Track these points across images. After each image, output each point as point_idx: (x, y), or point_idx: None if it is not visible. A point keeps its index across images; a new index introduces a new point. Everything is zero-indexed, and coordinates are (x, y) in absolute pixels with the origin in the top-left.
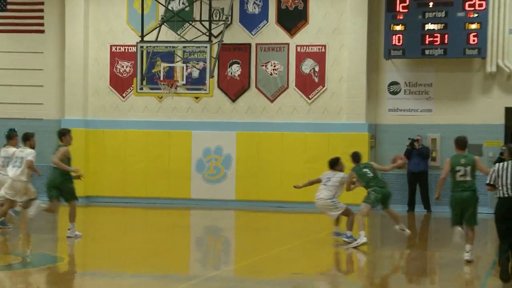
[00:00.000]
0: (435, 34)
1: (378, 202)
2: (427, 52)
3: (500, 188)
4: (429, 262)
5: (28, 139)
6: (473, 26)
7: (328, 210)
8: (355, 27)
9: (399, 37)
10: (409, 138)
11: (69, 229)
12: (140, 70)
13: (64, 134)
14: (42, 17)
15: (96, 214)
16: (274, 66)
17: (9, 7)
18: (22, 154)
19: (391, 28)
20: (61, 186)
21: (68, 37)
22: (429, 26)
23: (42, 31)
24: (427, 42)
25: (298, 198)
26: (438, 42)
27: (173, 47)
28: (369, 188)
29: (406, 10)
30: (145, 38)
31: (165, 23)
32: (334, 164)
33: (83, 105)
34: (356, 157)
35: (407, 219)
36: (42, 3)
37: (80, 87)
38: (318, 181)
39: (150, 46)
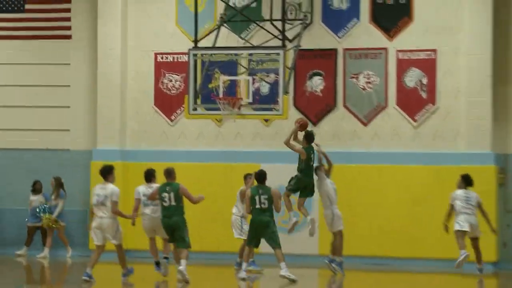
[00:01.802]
0: None
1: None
2: None
3: None
4: None
5: None
6: None
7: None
8: (476, 25)
9: None
10: None
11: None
12: (194, 85)
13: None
14: (68, 19)
15: (134, 273)
16: (368, 78)
17: (27, 6)
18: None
19: None
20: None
21: (101, 43)
22: None
23: (68, 37)
24: None
25: (405, 253)
26: None
27: (235, 54)
28: None
29: None
30: (200, 44)
31: (225, 24)
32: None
33: (120, 132)
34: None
35: None
36: (69, 1)
37: (116, 107)
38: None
39: (206, 54)
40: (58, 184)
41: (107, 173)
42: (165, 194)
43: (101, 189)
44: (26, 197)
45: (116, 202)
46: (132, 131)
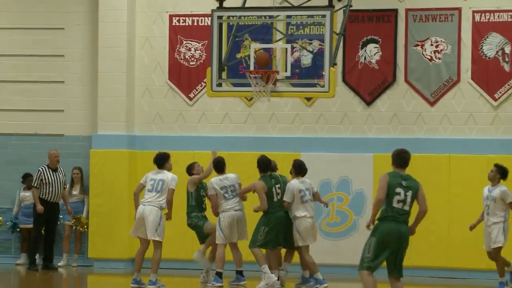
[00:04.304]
0: None
1: None
2: None
3: None
4: None
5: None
6: None
7: None
8: None
9: None
10: None
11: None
12: (218, 55)
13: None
14: None
15: None
16: (437, 46)
17: None
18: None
19: None
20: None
21: (103, 2)
22: None
23: None
24: None
25: (479, 265)
26: None
27: (270, 17)
28: None
29: None
30: (226, 3)
31: None
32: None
33: (127, 113)
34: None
35: None
36: None
37: (121, 83)
38: None
39: (233, 16)
40: (82, 176)
41: (164, 161)
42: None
43: (157, 174)
44: (9, 193)
45: (173, 190)
46: (141, 113)
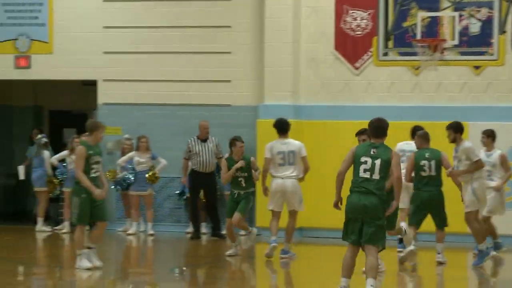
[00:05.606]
0: None
1: None
2: None
3: None
4: None
5: None
6: None
7: None
8: None
9: None
10: None
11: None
12: (384, 24)
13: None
14: None
15: (312, 258)
16: None
17: None
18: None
19: None
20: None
21: None
22: None
23: None
24: None
25: None
26: None
27: None
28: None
29: None
30: None
31: None
32: None
33: (293, 83)
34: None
35: None
36: None
37: (288, 53)
38: None
39: None
40: None
41: (289, 127)
42: (424, 162)
43: (284, 145)
44: (179, 162)
45: (305, 156)
46: (307, 83)
